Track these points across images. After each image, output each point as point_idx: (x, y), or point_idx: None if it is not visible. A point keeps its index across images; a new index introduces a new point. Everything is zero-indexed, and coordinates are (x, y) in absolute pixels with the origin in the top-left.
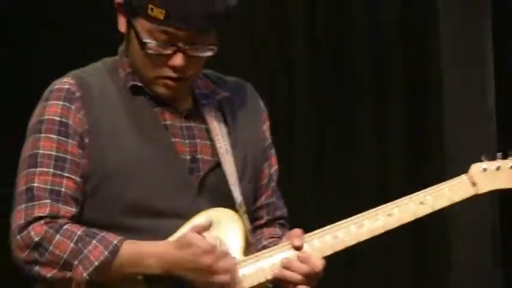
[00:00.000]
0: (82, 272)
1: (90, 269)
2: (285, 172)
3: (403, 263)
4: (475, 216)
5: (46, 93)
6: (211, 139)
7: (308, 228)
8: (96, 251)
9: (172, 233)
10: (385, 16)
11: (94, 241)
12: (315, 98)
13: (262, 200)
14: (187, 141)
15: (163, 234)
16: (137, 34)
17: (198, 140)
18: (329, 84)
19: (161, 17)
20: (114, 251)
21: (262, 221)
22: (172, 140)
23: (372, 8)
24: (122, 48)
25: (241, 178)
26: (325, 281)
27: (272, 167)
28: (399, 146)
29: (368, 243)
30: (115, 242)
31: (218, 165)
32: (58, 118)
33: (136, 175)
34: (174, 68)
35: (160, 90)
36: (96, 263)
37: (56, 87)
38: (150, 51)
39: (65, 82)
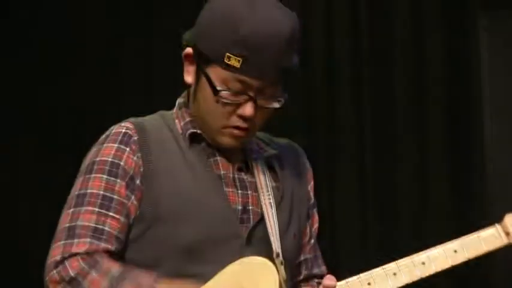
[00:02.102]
0: None
1: None
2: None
3: None
4: None
5: (103, 136)
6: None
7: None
8: None
9: None
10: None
11: (128, 284)
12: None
13: (301, 257)
14: (239, 191)
15: (208, 281)
16: (210, 82)
17: (249, 192)
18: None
19: (238, 65)
20: None
21: (300, 277)
22: (225, 189)
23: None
24: (180, 100)
25: (284, 232)
26: None
27: (313, 226)
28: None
29: None
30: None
31: (263, 217)
32: (110, 159)
33: (188, 221)
34: (243, 118)
35: (225, 140)
36: None
37: (113, 131)
38: (223, 100)
39: (123, 126)
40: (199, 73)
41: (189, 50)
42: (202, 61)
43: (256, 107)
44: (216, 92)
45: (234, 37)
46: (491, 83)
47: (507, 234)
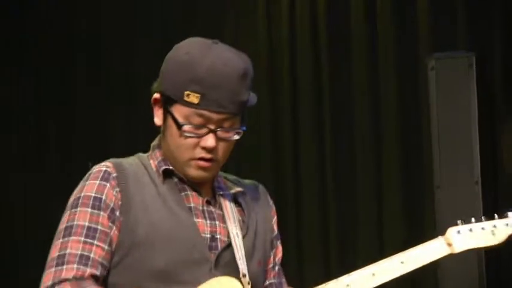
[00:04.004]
0: None
1: None
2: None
3: None
4: (462, 272)
5: (86, 175)
6: (226, 223)
7: None
8: None
9: None
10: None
11: None
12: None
13: (266, 282)
14: (208, 222)
15: None
16: (174, 119)
17: (217, 222)
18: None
19: (196, 101)
20: None
21: None
22: (195, 220)
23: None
24: (154, 143)
25: (249, 258)
26: None
27: (277, 256)
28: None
29: None
30: None
31: (230, 245)
32: (93, 194)
33: (162, 247)
34: (206, 149)
35: (193, 172)
36: None
37: (95, 170)
38: (186, 134)
39: (103, 165)
40: (166, 113)
41: (156, 95)
42: (167, 102)
43: (217, 139)
44: (179, 126)
45: (191, 76)
46: (439, 115)
47: (449, 245)
